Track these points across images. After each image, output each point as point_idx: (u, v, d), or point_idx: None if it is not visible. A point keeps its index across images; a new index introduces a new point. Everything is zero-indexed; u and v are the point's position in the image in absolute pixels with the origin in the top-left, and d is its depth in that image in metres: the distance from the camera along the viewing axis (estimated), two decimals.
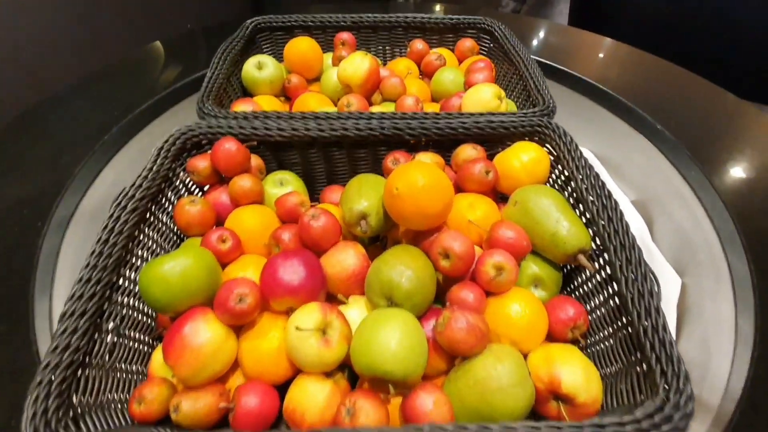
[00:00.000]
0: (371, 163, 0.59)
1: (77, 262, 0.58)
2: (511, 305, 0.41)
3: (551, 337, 0.43)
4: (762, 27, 1.10)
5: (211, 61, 0.66)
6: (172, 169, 0.52)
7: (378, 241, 0.53)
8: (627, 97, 0.86)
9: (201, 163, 0.52)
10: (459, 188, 0.53)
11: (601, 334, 0.42)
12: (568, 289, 0.49)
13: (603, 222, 0.43)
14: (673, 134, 0.77)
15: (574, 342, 0.43)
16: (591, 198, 0.45)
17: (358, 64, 0.67)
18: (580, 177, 0.48)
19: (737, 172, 0.72)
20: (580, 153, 0.50)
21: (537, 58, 0.95)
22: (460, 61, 0.82)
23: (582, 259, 0.43)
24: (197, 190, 0.57)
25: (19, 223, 0.61)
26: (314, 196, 0.61)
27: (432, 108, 0.71)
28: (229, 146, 0.51)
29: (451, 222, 0.49)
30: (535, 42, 1.09)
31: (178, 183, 0.54)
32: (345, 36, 0.78)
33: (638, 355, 0.37)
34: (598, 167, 0.74)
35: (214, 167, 0.52)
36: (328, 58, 0.80)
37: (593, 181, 0.46)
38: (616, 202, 0.44)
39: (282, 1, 1.91)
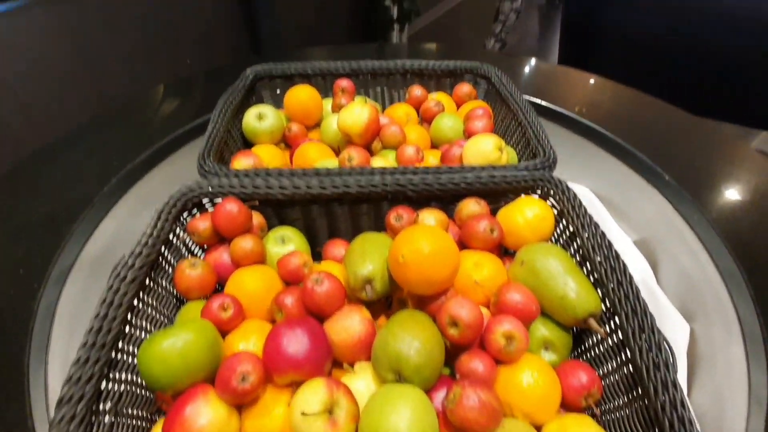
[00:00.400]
0: (373, 218, 0.58)
1: (74, 323, 0.57)
2: (522, 375, 0.40)
3: (563, 404, 0.42)
4: (753, 53, 1.12)
5: (212, 116, 0.66)
6: (173, 230, 0.52)
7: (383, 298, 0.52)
8: (622, 136, 0.87)
9: (202, 225, 0.52)
10: (463, 244, 0.53)
11: (615, 403, 0.41)
12: (578, 351, 0.48)
13: (612, 285, 0.43)
14: (673, 176, 0.77)
15: (587, 409, 0.42)
16: (599, 258, 0.45)
17: (357, 114, 0.67)
18: (586, 235, 0.47)
19: (738, 213, 0.72)
20: (585, 209, 0.49)
21: (530, 98, 0.96)
22: (458, 105, 0.82)
23: (592, 323, 0.42)
24: (197, 248, 0.57)
25: (14, 285, 0.60)
26: (316, 250, 0.60)
27: (432, 155, 0.71)
28: (230, 208, 0.51)
29: (457, 282, 0.48)
30: (527, 81, 1.11)
31: (177, 243, 0.53)
32: (344, 84, 0.78)
33: (656, 431, 0.35)
34: (599, 207, 0.74)
35: (215, 228, 0.52)
36: (327, 103, 0.81)
37: (600, 240, 0.46)
38: (624, 264, 0.43)
39: (280, 40, 1.94)
